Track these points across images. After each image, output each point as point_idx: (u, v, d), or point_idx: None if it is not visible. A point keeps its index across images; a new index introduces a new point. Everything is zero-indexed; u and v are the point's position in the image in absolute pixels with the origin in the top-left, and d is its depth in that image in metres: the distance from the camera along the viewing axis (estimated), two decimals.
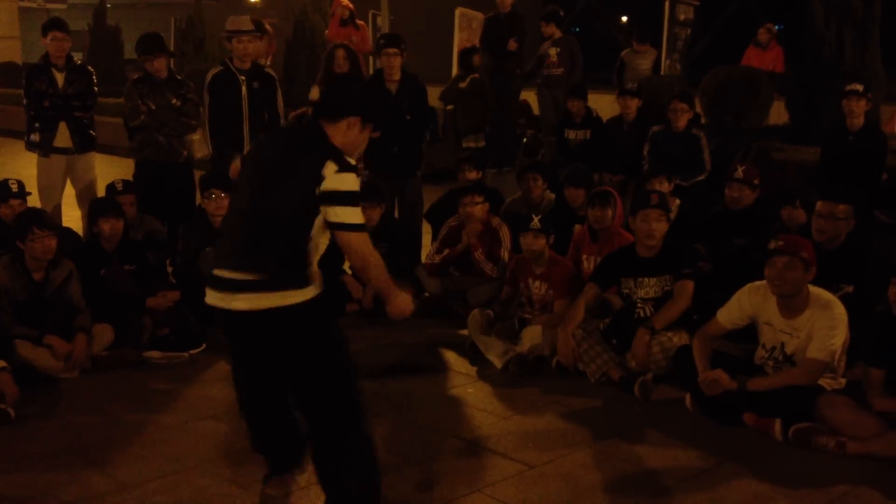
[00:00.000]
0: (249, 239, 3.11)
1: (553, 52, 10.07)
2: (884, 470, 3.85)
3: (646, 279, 5.03)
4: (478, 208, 6.15)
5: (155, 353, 5.28)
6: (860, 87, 6.63)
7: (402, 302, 3.27)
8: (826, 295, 4.31)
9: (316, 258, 3.15)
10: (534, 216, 5.49)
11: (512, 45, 9.69)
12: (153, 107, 6.50)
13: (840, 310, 4.25)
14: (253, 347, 3.21)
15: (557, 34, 10.08)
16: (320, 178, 3.01)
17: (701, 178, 7.37)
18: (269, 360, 3.22)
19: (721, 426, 4.31)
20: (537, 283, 5.44)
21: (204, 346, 5.39)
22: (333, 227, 3.07)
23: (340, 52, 7.07)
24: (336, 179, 3.01)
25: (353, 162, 3.08)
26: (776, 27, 10.94)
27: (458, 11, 11.37)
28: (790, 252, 4.24)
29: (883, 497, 3.67)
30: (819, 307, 4.25)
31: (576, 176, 6.52)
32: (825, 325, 4.21)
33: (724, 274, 5.57)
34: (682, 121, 7.46)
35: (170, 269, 6.23)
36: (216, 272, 3.15)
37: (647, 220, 4.97)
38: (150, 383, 4.96)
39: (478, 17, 11.06)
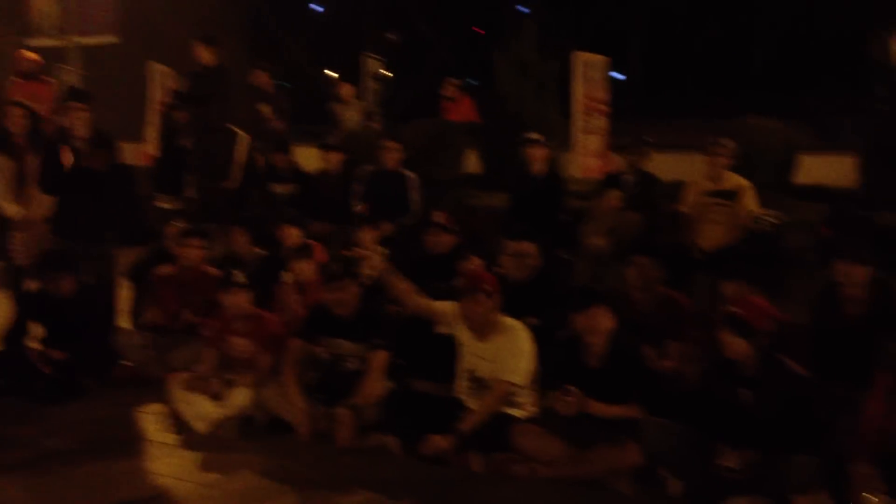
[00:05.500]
0: None
1: (266, 109, 10.06)
2: (574, 492, 4.12)
3: (344, 342, 5.06)
4: (194, 252, 5.95)
5: None
6: (539, 137, 7.19)
7: None
8: (513, 322, 4.62)
9: None
10: (236, 271, 5.39)
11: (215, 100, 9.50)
12: None
13: (525, 334, 4.58)
14: None
15: (265, 81, 10.09)
16: None
17: (408, 218, 7.60)
18: None
19: (427, 465, 4.43)
20: (241, 341, 5.31)
21: None
22: None
23: (16, 111, 6.56)
24: None
25: None
26: (466, 80, 11.61)
27: (152, 67, 11.07)
28: (473, 288, 4.57)
29: None
30: (506, 333, 4.55)
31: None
32: (510, 349, 4.51)
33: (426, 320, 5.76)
34: (392, 160, 7.68)
35: None
36: None
37: (331, 290, 5.04)
38: None
39: (171, 73, 10.81)
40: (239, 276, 5.35)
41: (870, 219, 6.41)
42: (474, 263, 5.68)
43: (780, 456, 3.76)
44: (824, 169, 8.35)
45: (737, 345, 3.94)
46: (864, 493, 3.41)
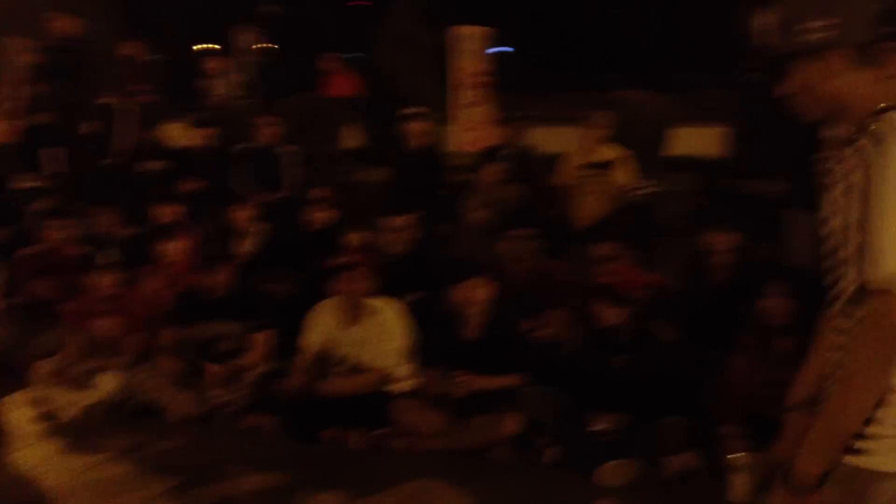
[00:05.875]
0: None
1: (138, 82, 9.67)
2: (454, 462, 4.12)
3: (218, 324, 4.90)
4: (58, 232, 5.70)
5: None
6: (418, 110, 7.14)
7: None
8: (381, 303, 4.55)
9: None
10: (103, 251, 5.17)
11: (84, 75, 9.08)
12: None
13: (393, 314, 4.52)
14: None
15: (137, 53, 9.68)
16: None
17: (283, 195, 7.44)
18: None
19: (304, 445, 4.35)
20: (108, 322, 5.09)
21: None
22: None
23: None
24: None
25: None
26: (348, 53, 11.47)
27: (7, 40, 10.45)
28: (360, 263, 4.46)
29: (451, 486, 3.92)
30: (374, 316, 4.49)
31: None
32: (380, 332, 4.45)
33: (307, 296, 5.66)
34: (267, 136, 7.51)
35: None
36: None
37: (206, 274, 4.87)
38: None
39: (29, 45, 10.25)
40: (106, 257, 5.12)
41: (737, 188, 6.63)
42: (355, 239, 5.61)
43: (651, 419, 3.85)
44: (694, 140, 8.61)
45: (609, 313, 4.01)
46: (730, 454, 3.52)
